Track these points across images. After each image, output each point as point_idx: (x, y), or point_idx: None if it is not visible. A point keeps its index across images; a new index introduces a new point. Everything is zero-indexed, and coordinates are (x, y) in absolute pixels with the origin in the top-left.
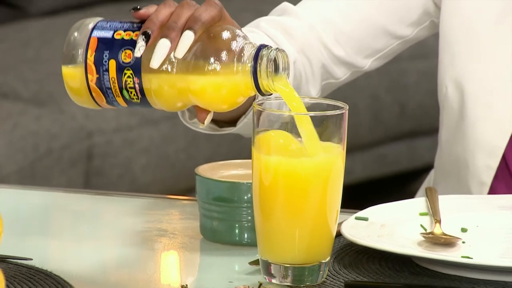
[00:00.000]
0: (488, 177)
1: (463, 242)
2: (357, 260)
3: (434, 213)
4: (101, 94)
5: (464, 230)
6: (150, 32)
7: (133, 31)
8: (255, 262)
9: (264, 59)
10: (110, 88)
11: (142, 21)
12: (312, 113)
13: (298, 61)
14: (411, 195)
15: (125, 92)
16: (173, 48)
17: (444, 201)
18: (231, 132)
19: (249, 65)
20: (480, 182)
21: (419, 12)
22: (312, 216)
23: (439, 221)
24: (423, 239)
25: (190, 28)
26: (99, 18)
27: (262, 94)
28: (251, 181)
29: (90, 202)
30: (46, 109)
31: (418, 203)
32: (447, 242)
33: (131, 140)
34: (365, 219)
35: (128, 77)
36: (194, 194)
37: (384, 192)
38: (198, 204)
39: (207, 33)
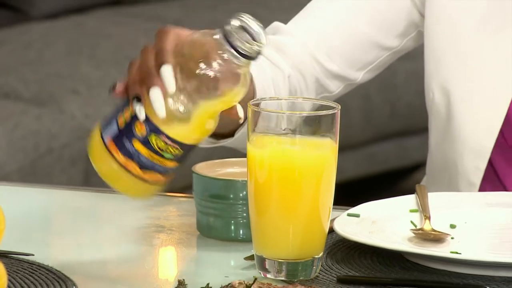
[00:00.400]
0: (477, 178)
1: (452, 238)
2: (349, 255)
3: (423, 210)
4: (154, 173)
5: (453, 226)
6: (137, 93)
7: (128, 105)
8: (250, 258)
9: (229, 27)
10: (154, 163)
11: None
12: (305, 113)
13: (292, 76)
14: (401, 192)
15: (165, 154)
16: (164, 87)
17: (434, 198)
18: (228, 145)
19: (218, 36)
20: (469, 183)
21: (405, 23)
22: (305, 213)
23: (429, 218)
24: (413, 235)
25: (162, 64)
26: (99, 122)
27: (247, 57)
28: (246, 179)
29: (90, 199)
30: (46, 109)
31: (408, 200)
32: (436, 238)
33: None
34: (357, 215)
35: (156, 140)
36: (191, 191)
37: (375, 189)
38: (195, 201)
39: (179, 55)
